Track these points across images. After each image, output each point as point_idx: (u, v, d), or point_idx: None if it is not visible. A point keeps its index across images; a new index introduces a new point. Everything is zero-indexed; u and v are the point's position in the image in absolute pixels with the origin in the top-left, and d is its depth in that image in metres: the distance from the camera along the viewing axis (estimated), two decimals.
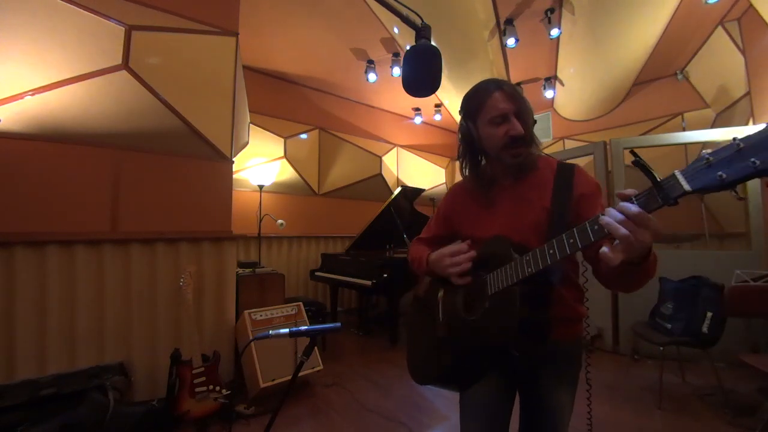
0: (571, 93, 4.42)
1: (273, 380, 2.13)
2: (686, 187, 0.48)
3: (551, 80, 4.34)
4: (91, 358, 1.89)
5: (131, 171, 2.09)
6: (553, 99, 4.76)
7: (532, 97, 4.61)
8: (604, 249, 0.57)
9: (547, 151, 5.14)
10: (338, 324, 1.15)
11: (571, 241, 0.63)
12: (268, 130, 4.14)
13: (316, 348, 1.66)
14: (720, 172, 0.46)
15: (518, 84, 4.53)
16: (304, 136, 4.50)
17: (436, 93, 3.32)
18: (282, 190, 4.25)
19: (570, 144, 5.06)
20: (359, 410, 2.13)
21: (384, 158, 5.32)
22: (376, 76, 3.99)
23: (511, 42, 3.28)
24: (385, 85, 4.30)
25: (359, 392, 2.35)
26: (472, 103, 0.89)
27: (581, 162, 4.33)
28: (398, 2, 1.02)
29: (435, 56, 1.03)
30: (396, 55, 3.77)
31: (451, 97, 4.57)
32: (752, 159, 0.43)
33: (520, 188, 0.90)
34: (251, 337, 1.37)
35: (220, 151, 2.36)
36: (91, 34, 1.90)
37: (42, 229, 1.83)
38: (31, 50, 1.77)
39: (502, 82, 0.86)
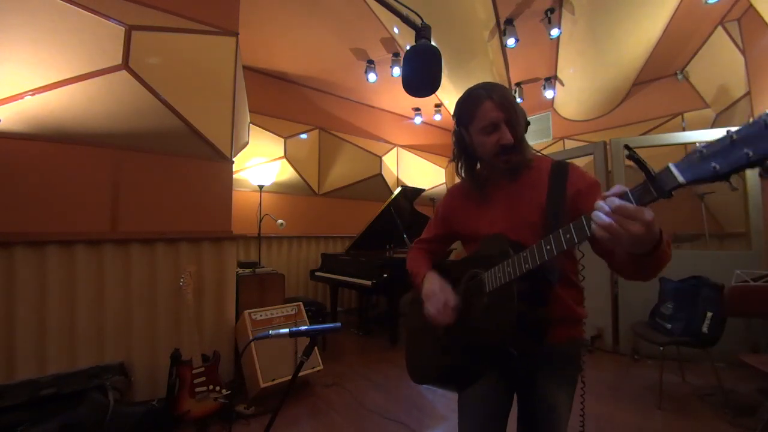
0: (571, 93, 4.42)
1: (273, 380, 2.13)
2: (680, 179, 0.49)
3: (551, 80, 4.34)
4: (91, 358, 1.89)
5: (131, 171, 2.09)
6: (553, 99, 4.76)
7: (532, 97, 4.65)
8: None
9: (546, 151, 5.16)
10: (338, 324, 1.15)
11: (568, 236, 0.64)
12: (268, 130, 4.14)
13: (316, 348, 1.66)
14: (714, 164, 0.46)
15: (518, 84, 4.53)
16: (304, 136, 4.50)
17: (436, 93, 3.32)
18: (282, 190, 4.25)
19: (570, 144, 5.06)
20: (359, 410, 2.13)
21: (384, 158, 5.32)
22: (376, 76, 3.99)
23: (511, 42, 3.28)
24: (385, 85, 4.30)
25: (359, 392, 2.35)
26: (464, 111, 0.91)
27: (581, 162, 4.33)
28: (398, 2, 1.02)
29: (435, 56, 1.03)
30: (396, 55, 3.77)
31: (451, 97, 4.57)
32: (745, 150, 0.44)
33: (515, 188, 0.91)
34: (251, 337, 1.38)
35: (220, 151, 2.36)
36: (91, 34, 1.90)
37: (42, 229, 1.83)
38: (31, 50, 1.77)
39: (492, 90, 0.86)
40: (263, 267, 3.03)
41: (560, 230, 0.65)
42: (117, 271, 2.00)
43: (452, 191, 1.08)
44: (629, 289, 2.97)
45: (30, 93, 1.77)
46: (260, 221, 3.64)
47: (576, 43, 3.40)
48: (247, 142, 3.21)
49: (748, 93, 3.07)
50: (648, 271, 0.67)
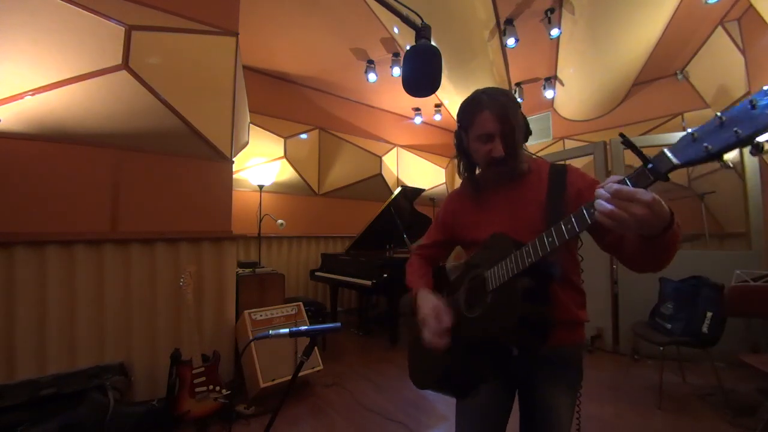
0: (571, 93, 4.42)
1: (273, 380, 2.13)
2: (675, 161, 0.51)
3: (551, 80, 4.34)
4: (91, 358, 1.89)
5: (131, 171, 2.09)
6: (553, 99, 4.76)
7: (532, 97, 4.65)
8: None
9: (546, 151, 5.16)
10: (338, 324, 1.15)
11: (569, 226, 0.64)
12: (268, 130, 4.14)
13: (316, 348, 1.66)
14: (705, 144, 0.48)
15: (518, 84, 4.53)
16: (304, 136, 4.50)
17: (436, 93, 3.32)
18: (282, 190, 4.25)
19: (570, 144, 5.06)
20: (359, 410, 2.13)
21: (384, 158, 5.32)
22: (376, 76, 3.99)
23: (511, 42, 3.28)
24: (385, 85, 4.30)
25: (359, 392, 2.35)
26: (464, 115, 0.92)
27: (581, 162, 4.33)
28: (398, 2, 1.02)
29: (435, 56, 1.03)
30: (396, 55, 3.77)
31: (451, 97, 4.57)
32: (735, 129, 0.45)
33: (514, 191, 0.92)
34: (251, 337, 1.38)
35: (220, 151, 2.36)
36: (91, 34, 1.90)
37: (42, 229, 1.83)
38: (31, 50, 1.77)
39: (494, 99, 0.86)
40: (263, 267, 3.03)
41: (561, 222, 0.66)
42: (117, 271, 2.00)
43: (452, 196, 1.09)
44: (629, 289, 2.97)
45: (30, 93, 1.77)
46: (260, 221, 3.64)
47: (576, 43, 3.40)
48: (247, 142, 3.21)
49: (748, 93, 3.07)
50: (661, 256, 0.65)
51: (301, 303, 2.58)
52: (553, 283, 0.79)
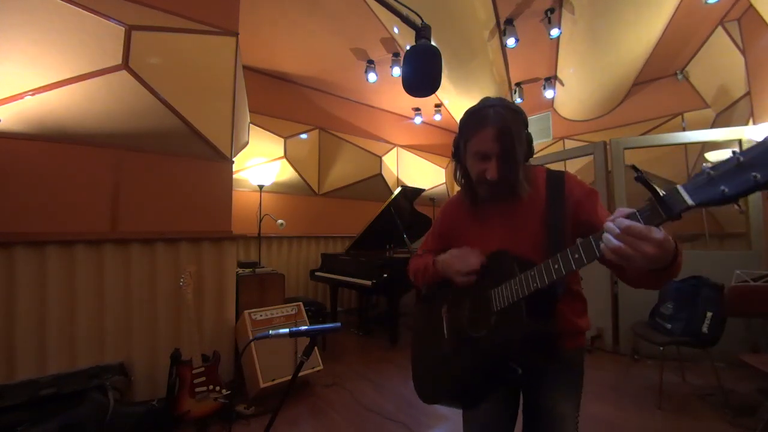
0: (571, 93, 4.42)
1: (273, 380, 2.13)
2: (689, 201, 0.49)
3: (551, 80, 4.34)
4: (91, 358, 1.89)
5: (131, 171, 2.09)
6: (553, 99, 4.76)
7: (532, 97, 4.65)
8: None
9: (546, 151, 5.16)
10: (338, 324, 1.15)
11: (576, 256, 0.63)
12: (268, 130, 4.14)
13: (316, 348, 1.66)
14: (722, 187, 0.46)
15: (518, 84, 4.53)
16: (304, 136, 4.50)
17: (436, 93, 3.32)
18: (282, 190, 4.25)
19: (570, 144, 5.06)
20: (359, 410, 2.13)
21: (384, 158, 5.32)
22: (376, 76, 3.99)
23: (511, 42, 3.28)
24: (385, 85, 4.30)
25: (359, 392, 2.35)
26: (466, 127, 0.87)
27: (581, 162, 4.34)
28: (398, 2, 1.02)
29: (435, 56, 1.03)
30: (396, 55, 3.77)
31: (451, 97, 4.57)
32: (753, 173, 0.44)
33: (512, 203, 0.89)
34: (251, 337, 1.38)
35: (220, 151, 2.36)
36: (91, 34, 1.90)
37: (42, 229, 1.83)
38: (31, 50, 1.77)
39: (498, 117, 0.81)
40: (263, 267, 3.03)
41: (568, 249, 0.65)
42: (117, 271, 2.00)
43: (449, 205, 1.06)
44: (629, 289, 2.94)
45: (30, 93, 1.77)
46: (260, 221, 3.64)
47: (576, 43, 3.40)
48: (247, 142, 3.21)
49: (748, 93, 3.07)
50: (662, 283, 0.67)
51: (301, 303, 2.58)
52: (557, 299, 0.78)
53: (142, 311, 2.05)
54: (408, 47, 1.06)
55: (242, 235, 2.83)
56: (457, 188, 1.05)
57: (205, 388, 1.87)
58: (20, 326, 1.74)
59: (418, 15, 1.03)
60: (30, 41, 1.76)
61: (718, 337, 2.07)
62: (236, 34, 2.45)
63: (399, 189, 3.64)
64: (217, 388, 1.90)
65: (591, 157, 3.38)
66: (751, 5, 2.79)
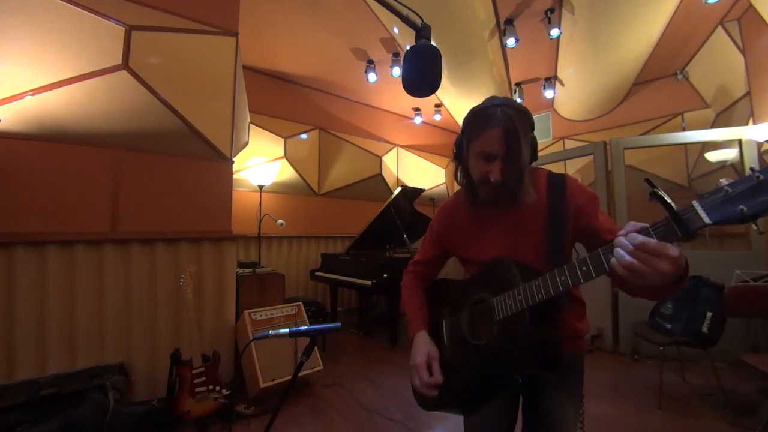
0: (571, 93, 4.42)
1: (273, 380, 2.13)
2: (706, 219, 0.47)
3: (551, 80, 4.34)
4: (91, 358, 1.89)
5: (131, 171, 2.09)
6: (553, 99, 4.76)
7: (532, 97, 4.65)
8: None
9: (546, 151, 5.15)
10: (338, 324, 1.15)
11: (584, 269, 0.61)
12: (268, 130, 4.14)
13: (316, 348, 1.66)
14: (741, 206, 0.45)
15: (518, 84, 4.53)
16: (304, 136, 4.50)
17: (436, 93, 3.32)
18: (282, 190, 4.25)
19: (570, 144, 5.06)
20: (359, 410, 2.13)
21: (384, 158, 5.32)
22: (376, 76, 3.99)
23: (511, 42, 3.28)
24: (385, 85, 4.30)
25: (359, 392, 2.35)
26: (470, 127, 0.83)
27: (581, 162, 4.34)
28: (398, 2, 1.02)
29: (435, 56, 1.03)
30: (396, 55, 3.77)
31: (451, 97, 4.57)
32: None
33: (513, 208, 0.86)
34: (251, 337, 1.38)
35: (220, 151, 2.36)
36: (91, 34, 1.90)
37: (42, 229, 1.83)
38: (31, 50, 1.77)
39: (506, 118, 0.77)
40: (263, 267, 3.03)
41: (576, 262, 0.63)
42: (117, 271, 2.00)
43: (445, 210, 1.02)
44: None
45: (30, 93, 1.77)
46: (260, 221, 3.64)
47: (576, 43, 3.40)
48: (247, 142, 3.21)
49: (748, 93, 3.07)
50: (663, 296, 0.66)
51: (301, 303, 2.58)
52: (561, 308, 0.77)
53: (142, 311, 2.05)
54: (408, 47, 1.06)
55: (242, 235, 2.83)
56: (457, 188, 1.04)
57: (205, 388, 1.87)
58: (20, 326, 1.74)
59: (418, 15, 1.03)
60: (30, 41, 1.76)
61: (718, 337, 2.07)
62: (236, 34, 2.45)
63: (399, 189, 3.64)
64: (217, 388, 1.90)
65: (591, 157, 3.39)
66: (751, 5, 2.79)
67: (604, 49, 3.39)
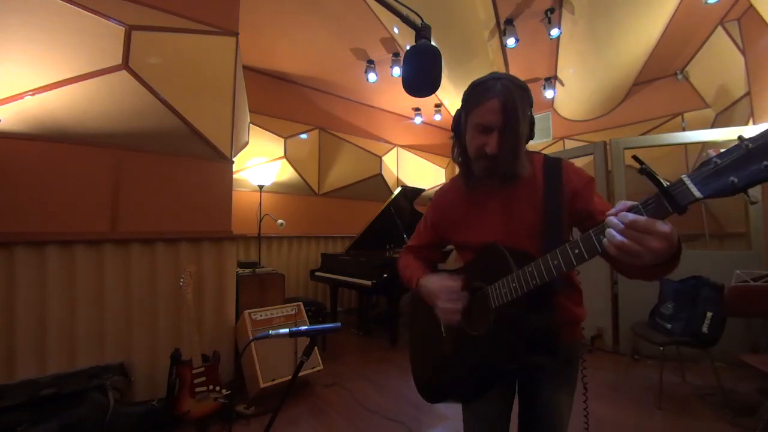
0: (571, 93, 4.42)
1: (273, 380, 2.13)
2: (697, 194, 0.46)
3: (551, 80, 4.34)
4: (91, 358, 1.89)
5: (131, 171, 2.09)
6: (553, 99, 4.76)
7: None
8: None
9: (546, 151, 5.14)
10: (338, 324, 1.15)
11: (576, 251, 0.60)
12: (268, 130, 4.14)
13: (316, 348, 1.66)
14: (732, 177, 0.43)
15: None
16: (304, 136, 4.50)
17: (436, 93, 3.32)
18: (282, 190, 4.25)
19: (570, 144, 5.06)
20: (359, 410, 2.13)
21: (384, 158, 5.32)
22: (376, 76, 3.99)
23: (511, 42, 3.28)
24: (385, 85, 4.30)
25: (359, 392, 2.35)
26: (469, 99, 0.83)
27: (581, 162, 4.33)
28: (398, 2, 1.02)
29: (435, 56, 1.03)
30: (396, 55, 3.77)
31: (451, 97, 4.57)
32: (765, 162, 0.41)
33: (508, 190, 0.85)
34: (251, 337, 1.38)
35: (220, 151, 2.36)
36: (91, 34, 1.90)
37: (42, 229, 1.83)
38: (31, 50, 1.77)
39: (506, 90, 0.77)
40: (263, 267, 3.03)
41: (567, 245, 0.62)
42: (117, 271, 2.00)
43: (440, 195, 1.01)
44: (629, 289, 2.97)
45: (30, 93, 1.77)
46: (260, 221, 3.64)
47: (576, 43, 3.40)
48: (247, 142, 3.21)
49: (748, 93, 3.07)
50: (659, 276, 0.64)
51: (301, 303, 2.58)
52: (556, 293, 0.76)
53: (142, 311, 2.05)
54: (408, 47, 1.06)
55: (242, 235, 2.83)
56: None
57: (205, 388, 1.87)
58: (20, 326, 1.74)
59: (418, 15, 1.03)
60: (30, 41, 1.76)
61: (718, 337, 2.07)
62: (236, 34, 2.45)
63: (399, 189, 3.65)
64: (217, 388, 1.90)
65: (591, 157, 3.39)
66: (751, 5, 2.79)
67: (604, 49, 3.39)
